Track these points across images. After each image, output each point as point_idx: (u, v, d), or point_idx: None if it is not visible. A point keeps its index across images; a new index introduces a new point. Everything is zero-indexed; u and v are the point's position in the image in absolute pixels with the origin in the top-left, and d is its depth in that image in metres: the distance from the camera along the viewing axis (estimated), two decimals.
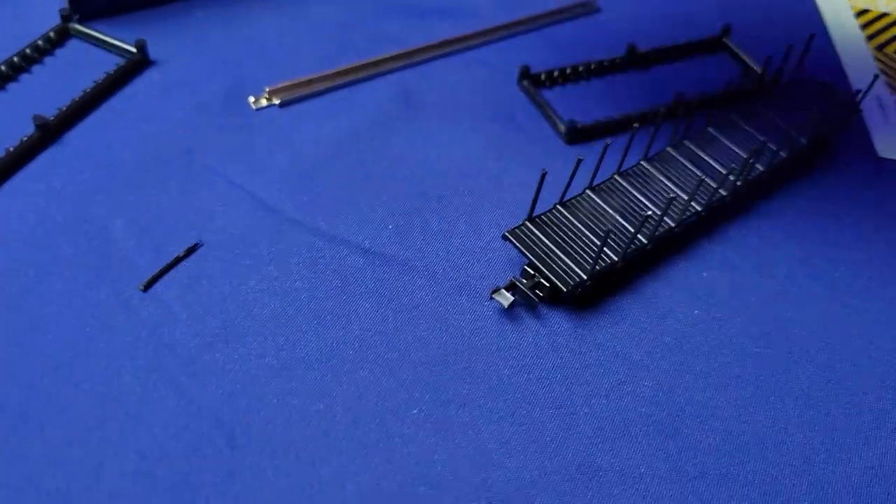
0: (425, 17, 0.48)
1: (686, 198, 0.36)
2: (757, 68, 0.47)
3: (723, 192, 0.39)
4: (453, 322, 0.35)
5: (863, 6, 0.54)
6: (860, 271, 0.40)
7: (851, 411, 0.34)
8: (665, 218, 0.37)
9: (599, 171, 0.38)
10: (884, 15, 0.54)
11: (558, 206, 0.37)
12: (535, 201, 0.35)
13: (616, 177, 0.38)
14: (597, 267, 0.35)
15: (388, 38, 0.46)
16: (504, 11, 0.49)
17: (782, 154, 0.41)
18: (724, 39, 0.49)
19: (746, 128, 0.42)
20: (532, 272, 0.35)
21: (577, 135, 0.42)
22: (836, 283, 0.39)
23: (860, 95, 0.43)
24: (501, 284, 0.35)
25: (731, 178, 0.39)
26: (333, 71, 0.43)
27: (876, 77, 0.45)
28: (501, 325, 0.35)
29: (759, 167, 0.40)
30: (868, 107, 0.47)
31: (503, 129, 0.43)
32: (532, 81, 0.44)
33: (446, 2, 0.49)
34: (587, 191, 0.38)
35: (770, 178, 0.41)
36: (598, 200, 0.37)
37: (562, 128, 0.42)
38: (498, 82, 0.45)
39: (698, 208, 0.38)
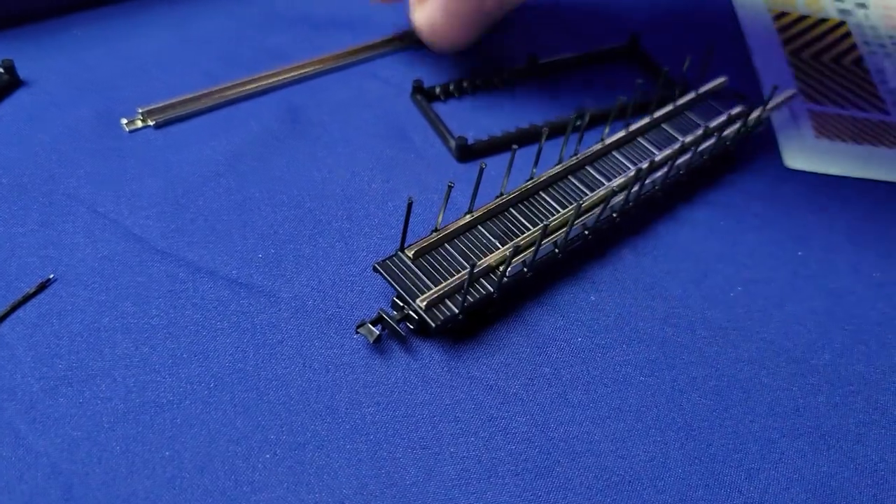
0: (317, 30, 0.46)
1: (572, 219, 0.35)
2: (659, 76, 0.46)
3: (612, 212, 0.37)
4: (318, 357, 0.33)
5: (781, 9, 0.53)
6: (757, 290, 0.38)
7: (735, 442, 0.33)
8: (549, 242, 0.36)
9: (491, 192, 0.37)
10: (802, 18, 0.52)
11: (433, 234, 0.35)
12: (405, 230, 0.34)
13: (499, 199, 0.37)
14: (468, 300, 0.33)
15: (275, 53, 0.45)
16: (402, 23, 0.47)
17: (678, 170, 0.40)
18: (632, 47, 0.47)
19: (643, 142, 0.40)
20: (402, 304, 0.33)
21: (467, 152, 0.41)
22: (731, 303, 0.38)
23: (767, 108, 0.42)
24: (371, 317, 0.34)
25: (620, 196, 0.37)
26: (215, 88, 0.42)
27: (793, 95, 0.44)
28: (370, 359, 0.33)
29: (652, 185, 0.39)
30: (778, 114, 0.46)
31: (394, 147, 0.41)
32: (425, 96, 0.43)
33: (339, 14, 0.48)
34: (466, 215, 0.36)
35: (664, 195, 0.40)
36: (478, 225, 0.36)
37: (452, 145, 0.40)
38: (391, 98, 0.43)
39: (585, 231, 0.37)
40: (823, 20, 0.53)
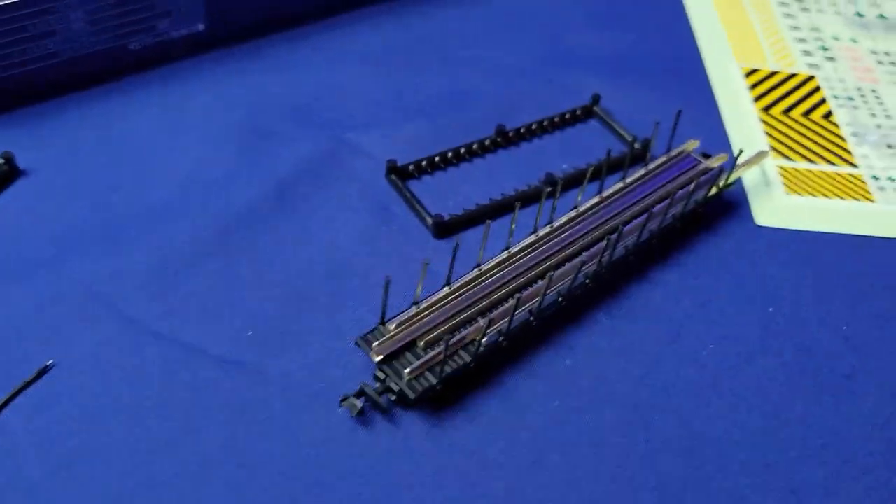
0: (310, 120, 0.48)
1: (543, 290, 0.37)
2: (628, 138, 0.48)
3: (585, 279, 0.39)
4: (305, 432, 0.35)
5: (751, 66, 0.55)
6: (729, 348, 0.40)
7: (707, 500, 0.34)
8: (523, 311, 0.37)
9: (469, 262, 0.39)
10: (773, 74, 0.54)
11: (414, 307, 0.37)
12: (384, 306, 0.36)
13: (476, 271, 0.39)
14: (446, 370, 0.35)
15: (265, 132, 0.47)
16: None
17: (649, 234, 0.41)
18: (594, 108, 0.49)
19: (613, 206, 0.42)
20: (383, 376, 0.35)
21: (445, 229, 0.42)
22: (704, 362, 0.39)
23: (737, 169, 0.44)
24: (355, 390, 0.35)
25: (592, 263, 0.39)
26: None
27: (763, 155, 0.46)
28: (354, 431, 0.35)
29: (624, 249, 0.41)
30: (749, 171, 0.48)
31: (377, 223, 0.43)
32: (400, 175, 0.44)
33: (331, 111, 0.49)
34: (444, 288, 0.38)
35: (636, 258, 0.42)
36: (456, 297, 0.38)
37: (429, 222, 0.42)
38: (372, 171, 0.45)
39: (559, 297, 0.38)
40: (793, 75, 0.54)
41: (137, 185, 0.43)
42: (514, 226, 0.39)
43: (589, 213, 0.42)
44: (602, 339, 0.40)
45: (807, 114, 0.52)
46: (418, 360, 0.35)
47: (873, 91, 0.54)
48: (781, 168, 0.48)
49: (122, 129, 0.46)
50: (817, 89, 0.54)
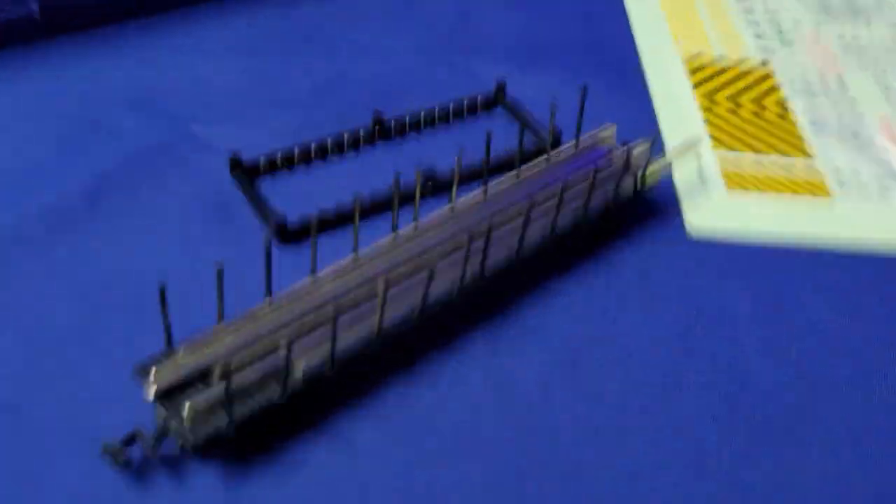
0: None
1: (382, 299, 0.29)
2: (542, 132, 0.40)
3: (451, 292, 0.31)
4: (62, 490, 0.27)
5: (694, 49, 0.47)
6: (639, 380, 0.32)
7: None
8: (360, 330, 0.29)
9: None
10: (718, 59, 0.47)
11: (216, 328, 0.29)
12: (167, 328, 0.27)
13: (307, 280, 0.31)
14: (243, 409, 0.27)
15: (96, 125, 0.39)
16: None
17: (542, 238, 0.33)
18: (500, 96, 0.42)
19: (496, 204, 0.34)
20: (165, 416, 0.27)
21: (289, 235, 0.34)
22: (605, 398, 0.31)
23: (664, 160, 0.36)
24: (129, 434, 0.27)
25: (453, 271, 0.31)
26: None
27: (696, 144, 0.38)
28: (127, 488, 0.27)
29: (507, 257, 0.33)
30: (683, 165, 0.39)
31: (211, 228, 0.35)
32: (246, 172, 0.37)
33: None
34: (264, 304, 0.30)
35: (524, 268, 0.34)
36: (276, 316, 0.29)
37: (272, 227, 0.34)
38: (218, 170, 0.37)
39: (414, 314, 0.30)
40: (742, 60, 0.46)
41: None
42: (357, 224, 0.31)
43: (465, 212, 0.34)
44: (476, 368, 0.31)
45: (757, 100, 0.44)
46: (208, 393, 0.27)
47: (838, 77, 0.46)
48: (722, 161, 0.40)
49: None
50: (769, 76, 0.46)
